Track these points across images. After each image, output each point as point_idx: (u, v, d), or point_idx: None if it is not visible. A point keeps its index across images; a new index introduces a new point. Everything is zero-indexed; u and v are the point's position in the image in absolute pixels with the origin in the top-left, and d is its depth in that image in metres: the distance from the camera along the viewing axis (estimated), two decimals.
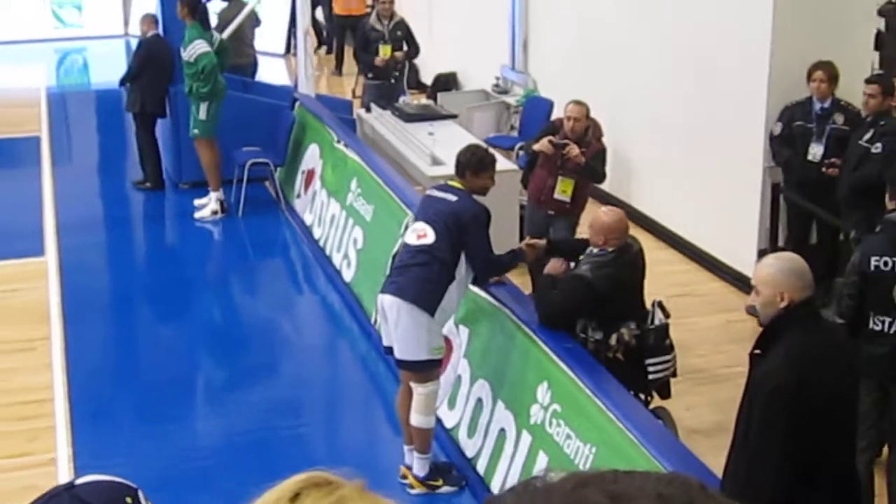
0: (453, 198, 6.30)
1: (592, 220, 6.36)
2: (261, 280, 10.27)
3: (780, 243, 8.89)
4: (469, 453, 6.57)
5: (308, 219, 10.61)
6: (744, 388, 4.57)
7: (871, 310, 5.77)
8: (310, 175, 10.92)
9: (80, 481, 1.90)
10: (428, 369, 6.26)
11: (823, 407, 4.23)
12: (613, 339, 6.15)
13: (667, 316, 6.40)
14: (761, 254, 9.02)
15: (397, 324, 6.17)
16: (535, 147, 8.43)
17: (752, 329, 8.81)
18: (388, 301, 6.22)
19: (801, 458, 4.20)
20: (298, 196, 11.09)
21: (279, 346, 8.67)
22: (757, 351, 4.47)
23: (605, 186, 9.09)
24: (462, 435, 6.72)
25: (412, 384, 6.30)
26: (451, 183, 6.41)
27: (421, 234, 6.28)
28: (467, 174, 6.34)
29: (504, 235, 9.17)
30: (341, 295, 9.21)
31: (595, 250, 6.22)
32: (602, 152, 8.43)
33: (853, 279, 5.82)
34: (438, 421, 6.87)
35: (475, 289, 6.95)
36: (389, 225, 8.58)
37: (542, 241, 6.94)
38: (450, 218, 6.20)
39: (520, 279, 7.40)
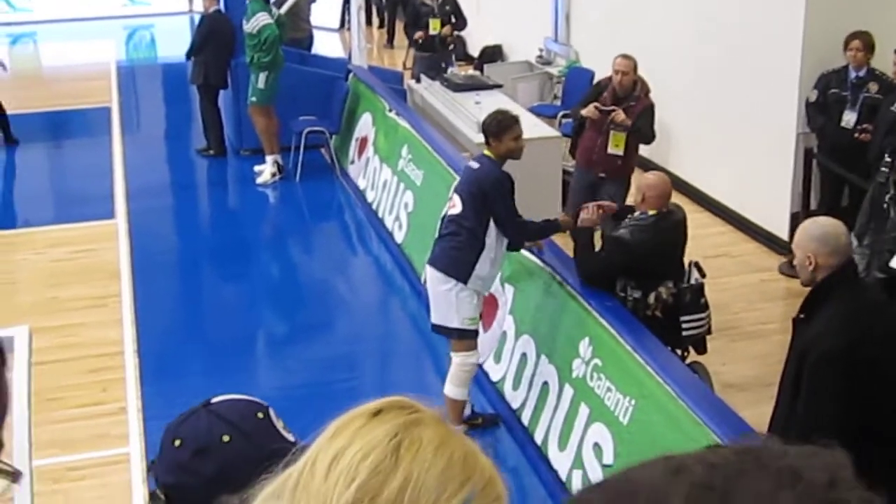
0: (477, 165, 6.16)
1: (638, 180, 6.28)
2: (317, 241, 10.28)
3: (813, 207, 8.76)
4: (514, 405, 6.55)
5: (361, 183, 10.60)
6: (787, 354, 4.45)
7: None
8: (363, 142, 10.89)
9: (215, 400, 1.95)
10: (461, 338, 6.13)
11: (874, 368, 4.09)
12: (652, 298, 6.08)
13: (703, 276, 6.33)
14: (794, 217, 8.94)
15: (432, 291, 6.18)
16: (583, 112, 8.29)
17: (785, 288, 8.79)
18: (427, 270, 6.24)
19: (857, 422, 4.03)
20: (352, 162, 11.07)
21: (334, 305, 8.67)
22: (801, 315, 4.35)
23: (644, 152, 8.96)
24: (507, 387, 6.70)
25: (451, 353, 6.22)
26: (485, 152, 6.21)
27: (452, 204, 6.17)
28: (490, 140, 6.12)
29: (547, 201, 9.17)
30: (393, 256, 9.21)
31: (637, 213, 6.14)
32: (650, 108, 8.15)
33: (894, 234, 5.68)
34: (485, 374, 6.87)
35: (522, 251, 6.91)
36: (438, 189, 8.54)
37: (611, 204, 6.55)
38: (473, 186, 6.05)
39: (562, 240, 7.33)
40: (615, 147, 8.09)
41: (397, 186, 9.56)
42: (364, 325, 8.31)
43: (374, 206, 10.06)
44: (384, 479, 1.23)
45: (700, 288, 6.24)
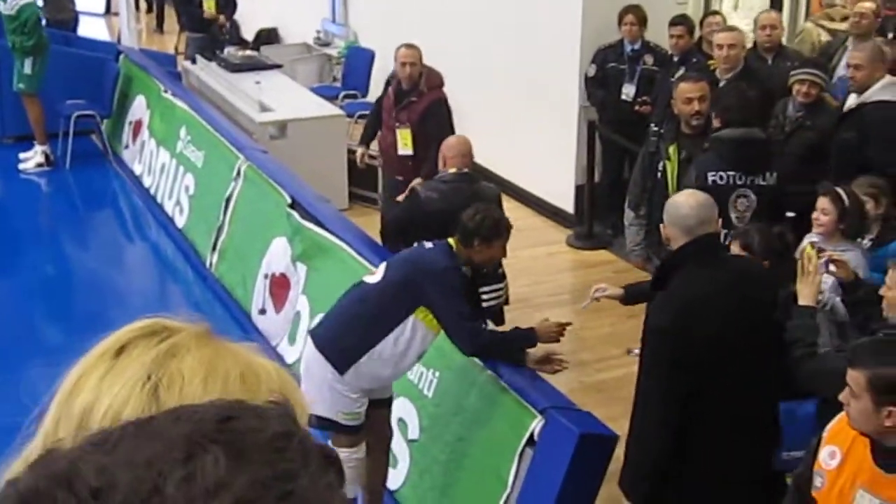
0: (430, 245, 4.88)
1: None
2: (91, 231, 9.76)
3: (597, 180, 8.83)
4: None
5: (137, 169, 10.13)
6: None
7: None
8: (137, 125, 10.40)
9: None
10: (337, 431, 4.88)
11: (707, 351, 3.97)
12: None
13: None
14: (579, 190, 9.01)
15: (305, 369, 4.97)
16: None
17: (572, 260, 8.85)
18: (307, 344, 5.01)
19: (688, 404, 3.96)
20: (126, 147, 10.57)
21: (113, 296, 8.20)
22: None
23: None
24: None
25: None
26: (450, 240, 4.89)
27: (373, 272, 5.04)
28: (475, 242, 4.81)
29: (333, 179, 8.95)
30: (174, 241, 8.82)
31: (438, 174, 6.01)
32: (440, 102, 7.45)
33: None
34: (279, 357, 6.58)
35: (311, 225, 6.70)
36: (221, 169, 8.21)
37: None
38: (409, 267, 4.78)
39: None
40: (404, 146, 7.45)
41: (176, 169, 9.15)
42: (144, 313, 7.58)
43: (151, 192, 9.63)
44: None
45: None
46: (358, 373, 4.73)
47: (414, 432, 5.30)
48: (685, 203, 4.21)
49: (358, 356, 4.71)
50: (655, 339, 4.04)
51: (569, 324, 4.98)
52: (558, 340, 4.91)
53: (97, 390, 1.03)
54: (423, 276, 4.68)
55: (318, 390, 4.74)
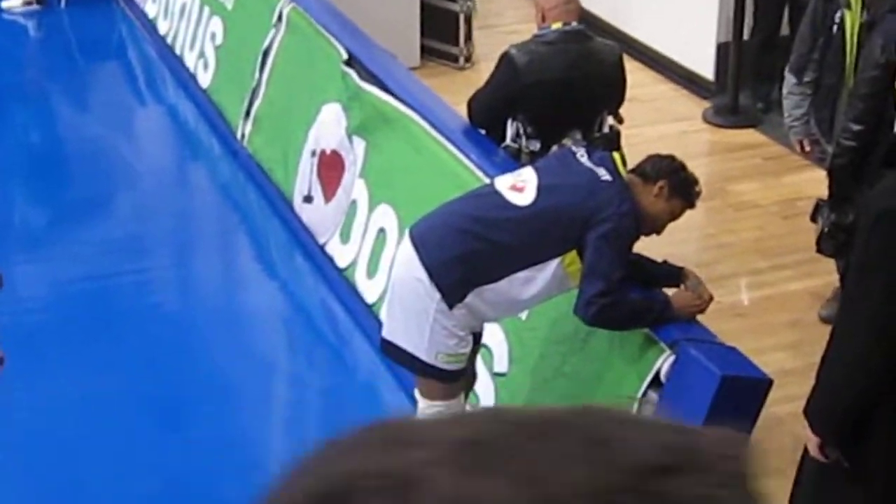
0: (606, 177, 4.70)
1: None
2: (92, 89, 9.85)
3: (746, 36, 8.64)
4: (370, 298, 6.31)
5: (151, 10, 10.18)
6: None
7: None
8: None
9: None
10: (428, 376, 4.86)
11: None
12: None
13: (620, 121, 6.11)
14: (721, 49, 8.79)
15: (398, 287, 4.91)
16: None
17: (709, 141, 8.62)
18: (403, 250, 4.87)
19: None
20: None
21: (116, 173, 8.37)
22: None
23: None
24: (360, 276, 6.46)
25: (415, 392, 5.09)
26: (615, 159, 4.86)
27: (519, 185, 4.77)
28: (661, 184, 4.73)
29: (399, 31, 9.03)
30: (197, 104, 8.89)
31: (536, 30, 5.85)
32: None
33: (872, 73, 5.41)
34: (329, 259, 6.64)
35: (372, 88, 6.68)
36: (257, 12, 8.19)
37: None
38: (583, 195, 4.65)
39: None
40: None
41: (200, 11, 9.16)
42: (156, 198, 8.06)
43: (168, 40, 9.70)
44: None
45: (616, 136, 6.01)
46: (467, 305, 4.66)
47: (502, 364, 5.30)
48: None
49: (480, 283, 4.65)
50: (882, 227, 3.85)
51: (712, 298, 4.88)
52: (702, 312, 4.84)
53: None
54: (594, 214, 4.57)
55: (417, 323, 4.70)
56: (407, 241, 4.78)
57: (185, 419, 5.83)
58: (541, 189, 4.67)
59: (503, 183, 4.78)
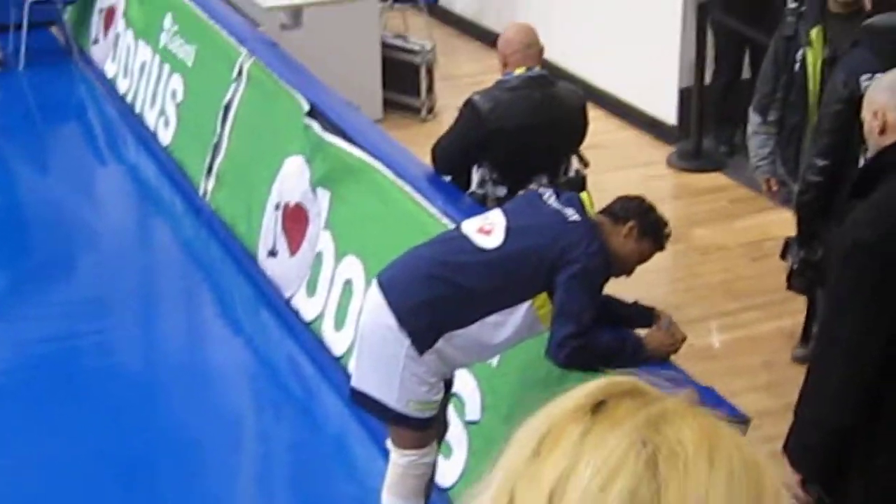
0: (575, 217, 4.65)
1: None
2: (52, 150, 9.88)
3: (707, 80, 8.71)
4: (337, 351, 6.26)
5: (110, 69, 10.19)
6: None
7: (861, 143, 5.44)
8: (109, 14, 10.45)
9: None
10: (401, 424, 4.77)
11: None
12: None
13: (585, 164, 6.11)
14: (683, 94, 8.81)
15: (367, 334, 4.79)
16: None
17: (675, 185, 8.61)
18: (372, 297, 4.73)
19: (891, 348, 3.82)
20: (96, 42, 10.64)
21: (77, 234, 8.33)
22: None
23: None
24: (327, 329, 6.41)
25: (387, 444, 4.99)
26: (583, 200, 4.79)
27: (487, 228, 4.70)
28: (631, 224, 4.69)
29: (361, 84, 9.04)
30: (158, 162, 8.89)
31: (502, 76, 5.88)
32: None
33: (836, 108, 5.42)
34: (294, 313, 6.53)
35: (337, 140, 6.67)
36: (217, 68, 8.21)
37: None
38: (552, 236, 4.59)
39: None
40: None
41: (160, 69, 9.19)
42: (119, 257, 8.03)
43: (128, 99, 9.70)
44: None
45: (582, 181, 5.99)
46: (438, 351, 4.58)
47: (474, 412, 5.25)
48: None
49: (451, 328, 4.57)
50: (856, 259, 3.88)
51: (685, 338, 4.86)
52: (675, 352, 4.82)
53: (575, 454, 1.08)
54: (563, 255, 4.53)
55: (387, 371, 4.60)
56: (375, 288, 4.70)
57: (151, 479, 5.74)
58: (509, 231, 4.62)
59: (471, 226, 4.74)
